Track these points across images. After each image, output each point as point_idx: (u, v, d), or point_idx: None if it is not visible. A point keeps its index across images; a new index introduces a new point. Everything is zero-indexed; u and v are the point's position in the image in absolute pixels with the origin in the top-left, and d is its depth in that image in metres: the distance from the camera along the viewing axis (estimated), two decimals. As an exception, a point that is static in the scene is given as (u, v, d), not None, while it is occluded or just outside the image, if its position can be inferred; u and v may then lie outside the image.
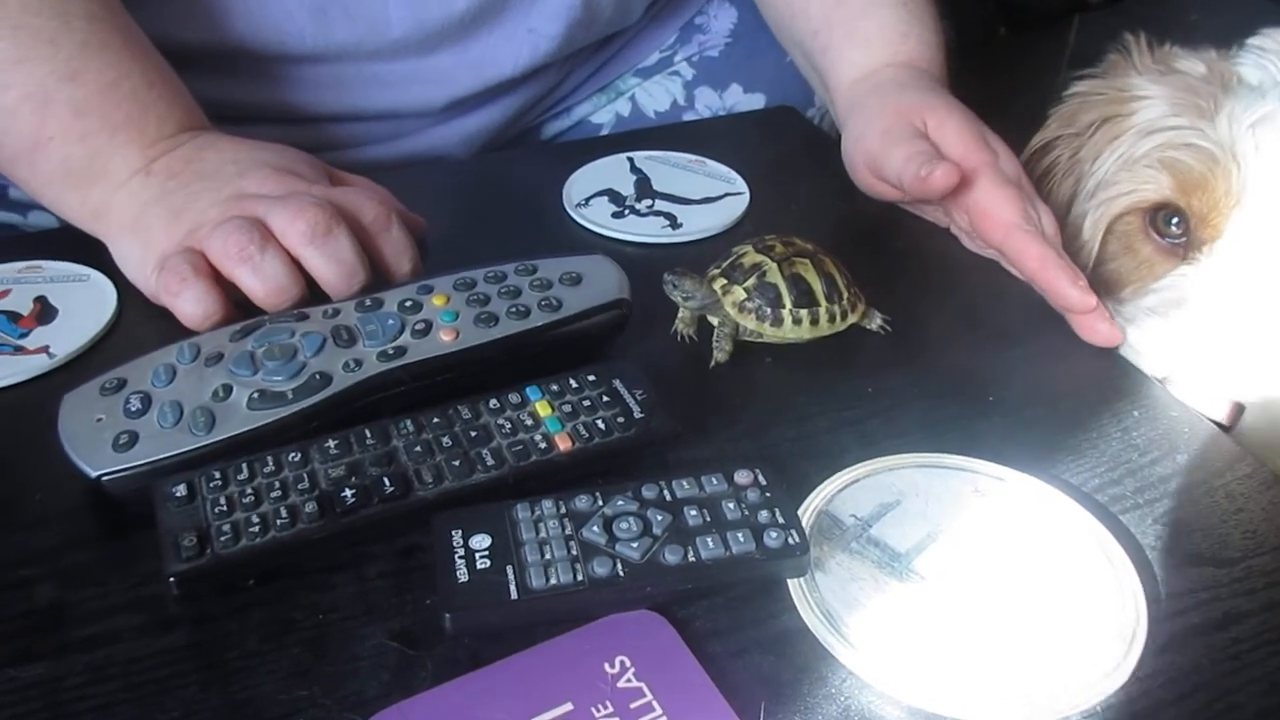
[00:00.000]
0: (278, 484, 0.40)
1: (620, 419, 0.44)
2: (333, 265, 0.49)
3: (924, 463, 0.45)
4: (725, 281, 0.52)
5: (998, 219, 0.56)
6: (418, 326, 0.47)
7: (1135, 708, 0.36)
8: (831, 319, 0.52)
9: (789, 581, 0.39)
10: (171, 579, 0.37)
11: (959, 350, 0.54)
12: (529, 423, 0.43)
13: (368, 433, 0.42)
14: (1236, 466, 0.47)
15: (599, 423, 0.44)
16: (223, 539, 0.38)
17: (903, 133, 0.58)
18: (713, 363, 0.51)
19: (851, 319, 0.52)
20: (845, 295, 0.52)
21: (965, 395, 0.50)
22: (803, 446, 0.46)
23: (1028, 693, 0.36)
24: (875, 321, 0.54)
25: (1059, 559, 0.41)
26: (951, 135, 0.58)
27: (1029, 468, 0.45)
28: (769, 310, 0.51)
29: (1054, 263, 0.54)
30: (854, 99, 0.64)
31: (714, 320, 0.52)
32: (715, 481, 0.41)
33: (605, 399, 0.45)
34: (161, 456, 0.41)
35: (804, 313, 0.51)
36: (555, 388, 0.45)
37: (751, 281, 0.51)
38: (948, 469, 0.45)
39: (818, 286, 0.51)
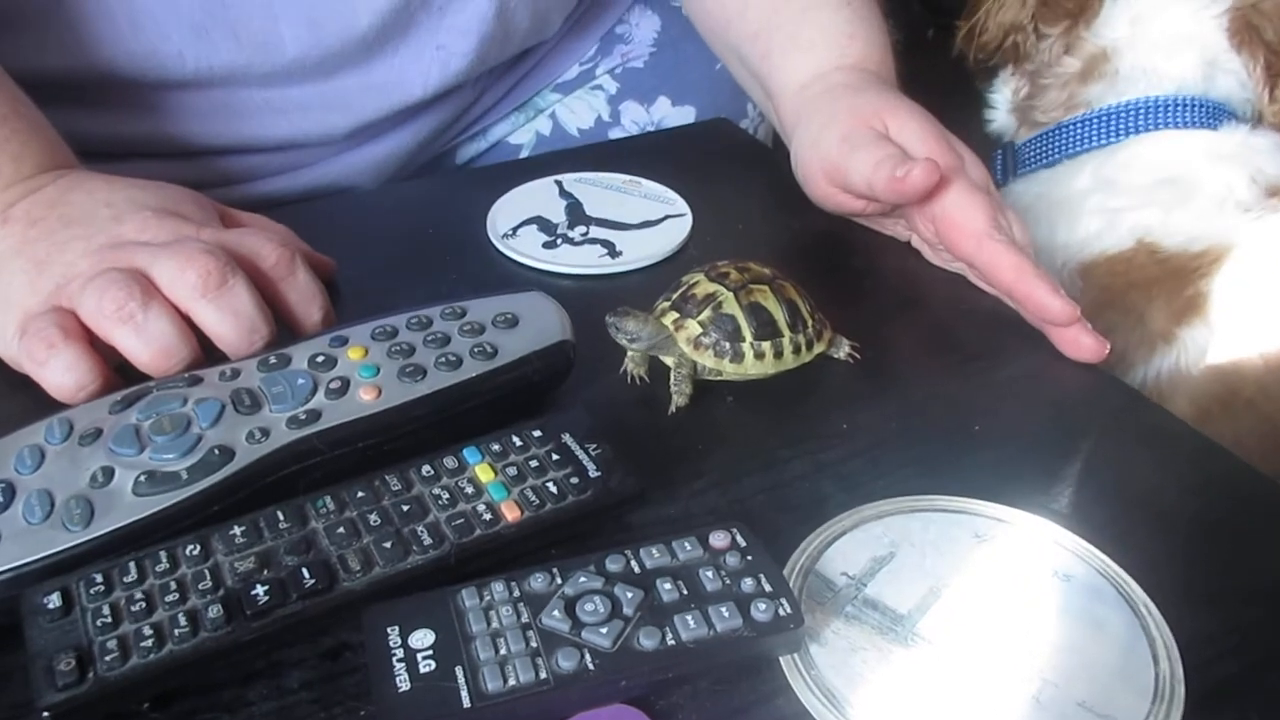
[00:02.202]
0: (174, 585, 0.36)
1: (574, 480, 0.40)
2: (229, 320, 0.45)
3: (916, 507, 0.43)
4: (677, 315, 0.49)
5: (968, 228, 0.54)
6: (333, 385, 0.43)
7: (1181, 777, 0.34)
8: (796, 350, 0.49)
9: (782, 659, 0.36)
10: (46, 713, 0.32)
11: (935, 376, 0.52)
12: (469, 491, 0.40)
13: (280, 515, 0.38)
14: (1255, 485, 0.45)
15: (550, 486, 0.40)
16: (108, 659, 0.33)
17: (864, 137, 0.56)
18: (672, 408, 0.47)
19: (818, 348, 0.50)
20: (810, 323, 0.49)
21: (949, 427, 0.48)
22: (779, 497, 0.43)
23: (1060, 768, 0.33)
24: (843, 349, 0.51)
25: (1076, 607, 0.39)
26: (914, 138, 0.56)
27: (1029, 504, 0.43)
28: (728, 345, 0.48)
29: (1030, 272, 0.52)
30: (802, 105, 0.62)
31: (668, 360, 0.49)
32: (689, 546, 0.38)
33: (555, 457, 0.41)
34: (29, 560, 0.36)
35: (766, 345, 0.48)
36: (497, 447, 0.42)
37: (706, 314, 0.48)
38: (943, 512, 0.42)
39: (779, 315, 0.48)
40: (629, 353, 0.49)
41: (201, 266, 0.45)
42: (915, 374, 0.52)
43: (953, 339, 0.54)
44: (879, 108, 0.58)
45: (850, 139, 0.57)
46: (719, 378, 0.49)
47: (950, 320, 0.56)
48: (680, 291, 0.50)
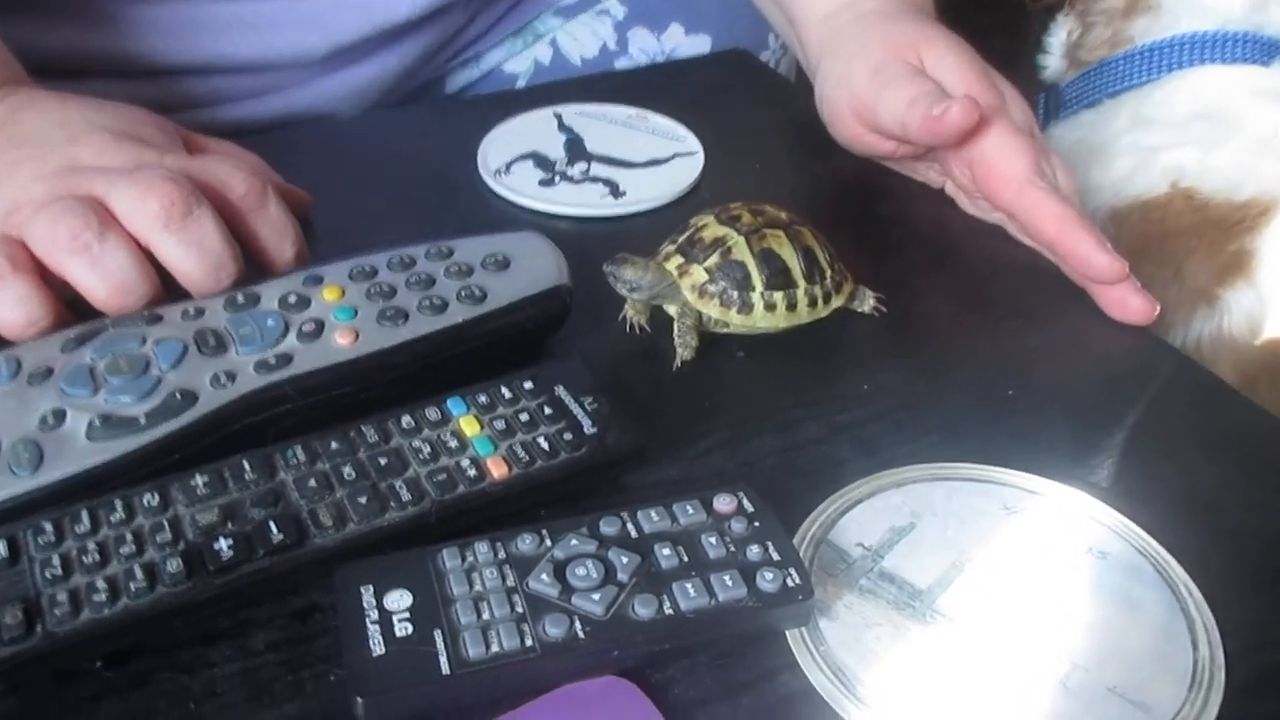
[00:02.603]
0: (130, 536, 0.36)
1: (567, 436, 0.41)
2: (194, 254, 0.45)
3: (940, 475, 0.43)
4: (682, 260, 0.49)
5: (1007, 174, 0.54)
6: (305, 328, 0.43)
7: (1218, 769, 0.34)
8: (812, 303, 0.49)
9: (789, 633, 0.37)
10: (-9, 668, 0.33)
11: (967, 335, 0.52)
12: (453, 445, 0.40)
13: (246, 465, 0.39)
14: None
15: (541, 441, 0.41)
16: (58, 612, 0.34)
17: (898, 71, 0.56)
18: (677, 363, 0.48)
19: (836, 302, 0.50)
20: (828, 273, 0.50)
21: (980, 390, 0.48)
22: (792, 460, 0.44)
23: (1087, 756, 0.34)
24: (867, 303, 0.51)
25: (1111, 586, 0.39)
26: (952, 73, 0.56)
27: (1064, 475, 0.43)
28: (736, 294, 0.48)
29: (1075, 225, 0.52)
30: (829, 35, 0.62)
31: (671, 310, 0.49)
32: (691, 510, 0.38)
33: (547, 411, 0.42)
34: (-28, 507, 0.37)
35: (778, 296, 0.48)
36: (484, 399, 0.42)
37: (714, 260, 0.48)
38: (969, 481, 0.43)
39: (794, 264, 0.49)
40: (629, 300, 0.50)
41: (164, 195, 0.45)
42: (945, 332, 0.52)
43: (987, 295, 0.55)
44: (914, 39, 0.58)
45: (881, 73, 0.57)
46: (726, 330, 0.49)
47: (985, 275, 0.56)
48: (687, 235, 0.50)
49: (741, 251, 0.48)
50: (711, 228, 0.50)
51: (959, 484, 0.43)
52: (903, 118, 0.55)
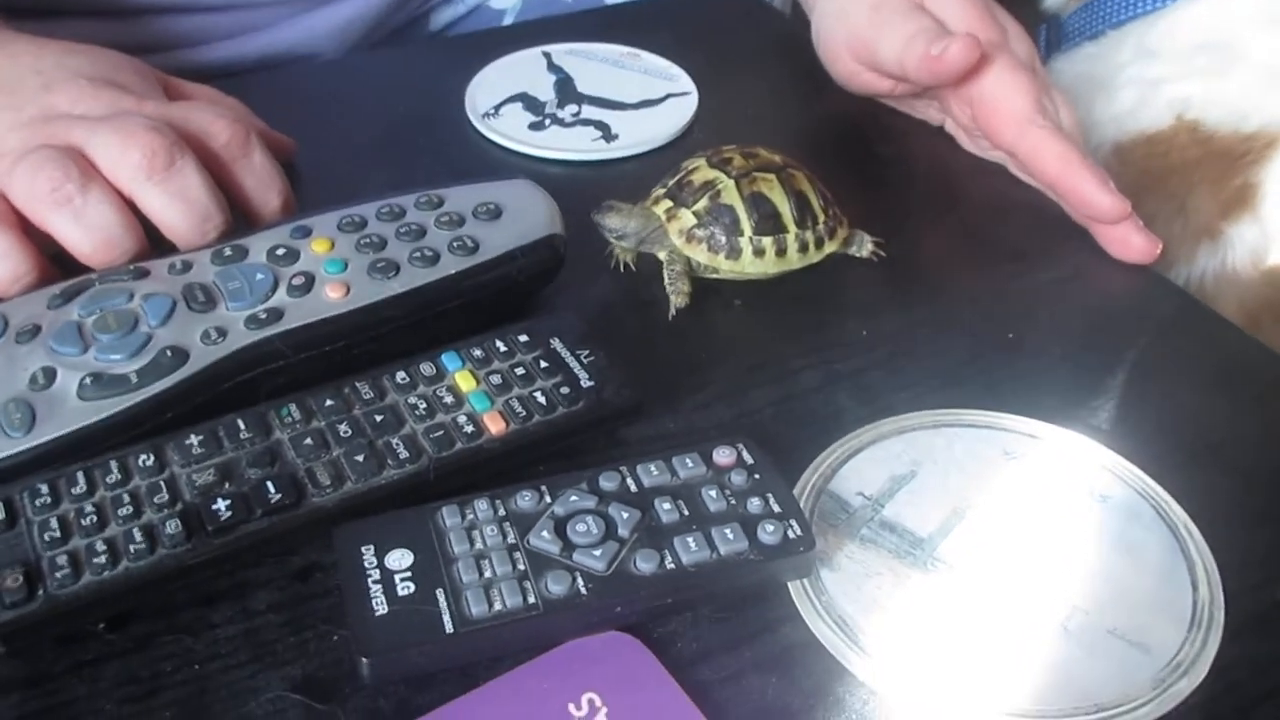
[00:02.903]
0: (127, 498, 0.37)
1: (564, 389, 0.41)
2: (179, 206, 0.45)
3: (940, 421, 0.44)
4: (670, 204, 0.49)
5: (1008, 112, 0.54)
6: (295, 281, 0.43)
7: (1218, 708, 0.35)
8: (803, 248, 0.49)
9: (790, 584, 0.37)
10: (-7, 633, 0.34)
11: (968, 278, 0.52)
12: (449, 400, 0.40)
13: (241, 424, 0.39)
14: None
15: (538, 396, 0.41)
16: (59, 575, 0.34)
17: (898, 7, 0.56)
18: (671, 311, 0.48)
19: (829, 247, 0.50)
20: (821, 218, 0.50)
21: (981, 334, 0.48)
22: (790, 410, 0.44)
23: (1086, 696, 0.35)
24: (865, 247, 0.52)
25: (1112, 529, 0.40)
26: (953, 9, 0.56)
27: (1066, 419, 0.44)
28: (724, 239, 0.48)
29: (1077, 163, 0.53)
30: (826, -31, 0.61)
31: (661, 255, 0.49)
32: (690, 464, 0.39)
33: (543, 365, 0.42)
34: (-35, 470, 0.37)
35: (767, 241, 0.48)
36: (479, 353, 0.42)
37: (702, 204, 0.49)
38: (969, 427, 0.43)
39: (785, 208, 0.49)
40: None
41: (146, 144, 0.44)
42: (944, 275, 0.53)
43: (988, 237, 0.55)
44: (913, -28, 0.57)
45: (879, 9, 0.56)
46: (715, 275, 0.49)
47: (986, 216, 0.56)
48: (677, 178, 0.50)
49: (731, 195, 0.48)
50: (701, 171, 0.50)
51: (959, 430, 0.43)
52: (900, 56, 0.55)
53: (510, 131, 0.59)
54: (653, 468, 0.39)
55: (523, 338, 0.43)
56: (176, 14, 0.66)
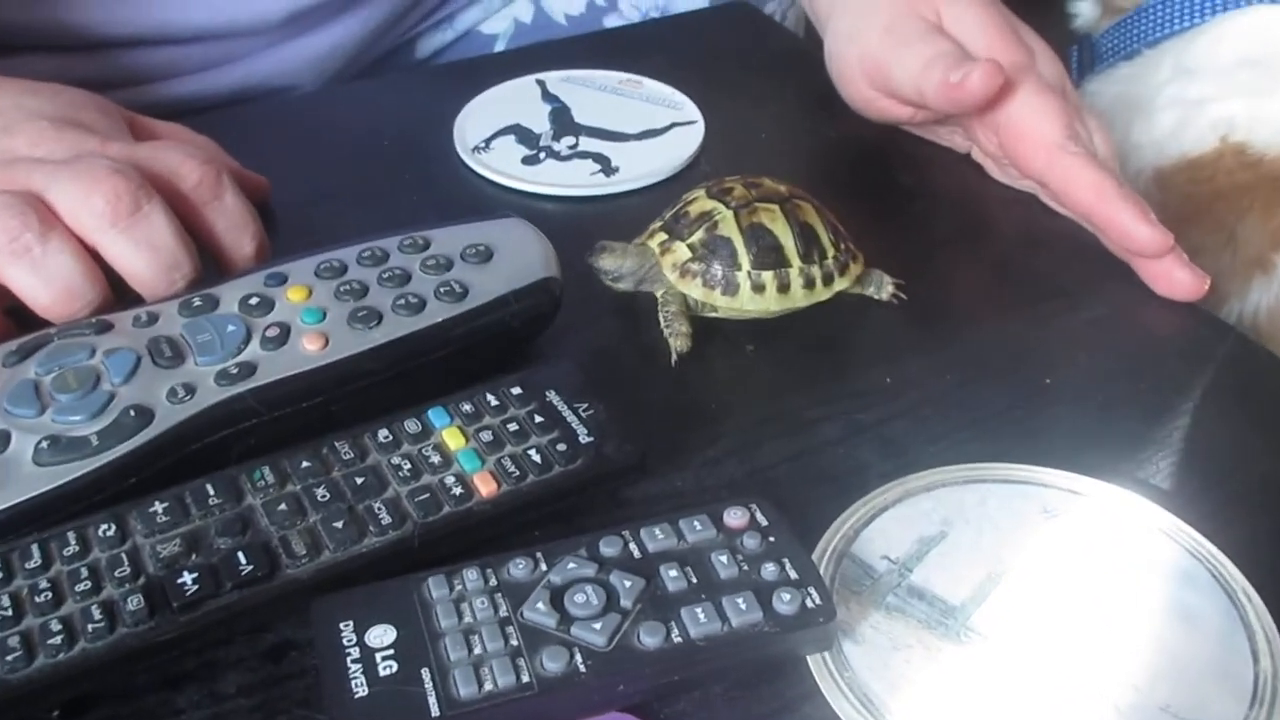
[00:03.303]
0: (85, 572, 0.37)
1: (561, 446, 0.41)
2: (144, 254, 0.45)
3: (972, 477, 0.43)
4: (665, 237, 0.50)
5: (1037, 138, 0.54)
6: (269, 333, 0.43)
7: (1282, 795, 0.35)
8: (809, 284, 0.49)
9: (810, 659, 0.37)
10: (-62, 723, 0.34)
11: (999, 319, 0.52)
12: (436, 460, 0.41)
13: (210, 489, 0.39)
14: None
15: (532, 454, 0.41)
16: (10, 658, 0.34)
17: (913, 29, 0.56)
18: (672, 357, 0.48)
19: (839, 284, 0.50)
20: (831, 252, 0.50)
21: (1016, 380, 0.48)
22: (808, 466, 0.44)
23: (1139, 786, 0.34)
24: (884, 289, 0.52)
25: (1163, 595, 0.40)
26: (973, 30, 0.56)
27: (1111, 473, 0.44)
28: (720, 273, 0.48)
29: (1113, 192, 0.53)
30: (838, -14, 0.62)
31: (659, 294, 0.49)
32: (699, 526, 0.39)
33: (538, 419, 0.42)
34: (-88, 543, 0.37)
35: (767, 276, 0.48)
36: (468, 408, 0.42)
37: (698, 236, 0.49)
38: (1004, 483, 0.43)
39: (788, 240, 0.49)
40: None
41: (110, 189, 0.45)
42: (974, 316, 0.53)
43: (1021, 273, 0.55)
44: (930, -10, 0.58)
45: (894, 31, 0.57)
46: (714, 314, 0.49)
47: (1018, 250, 0.57)
48: (675, 210, 0.51)
49: (728, 226, 0.49)
50: (700, 202, 0.50)
51: (994, 486, 0.43)
52: (918, 83, 0.55)
53: (502, 166, 0.60)
54: (658, 531, 0.38)
55: (516, 390, 0.43)
56: (143, 47, 0.67)
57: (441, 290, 0.45)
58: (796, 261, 0.49)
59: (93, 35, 0.66)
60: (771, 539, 0.38)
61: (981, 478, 0.43)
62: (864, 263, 0.51)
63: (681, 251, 0.49)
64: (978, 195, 0.60)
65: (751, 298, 0.49)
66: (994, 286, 0.55)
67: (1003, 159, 0.58)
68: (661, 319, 0.49)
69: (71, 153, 0.48)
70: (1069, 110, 0.55)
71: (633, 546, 0.38)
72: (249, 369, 0.42)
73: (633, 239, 0.50)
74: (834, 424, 0.46)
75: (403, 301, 0.45)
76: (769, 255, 0.49)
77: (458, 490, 0.40)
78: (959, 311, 0.53)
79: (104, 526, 0.38)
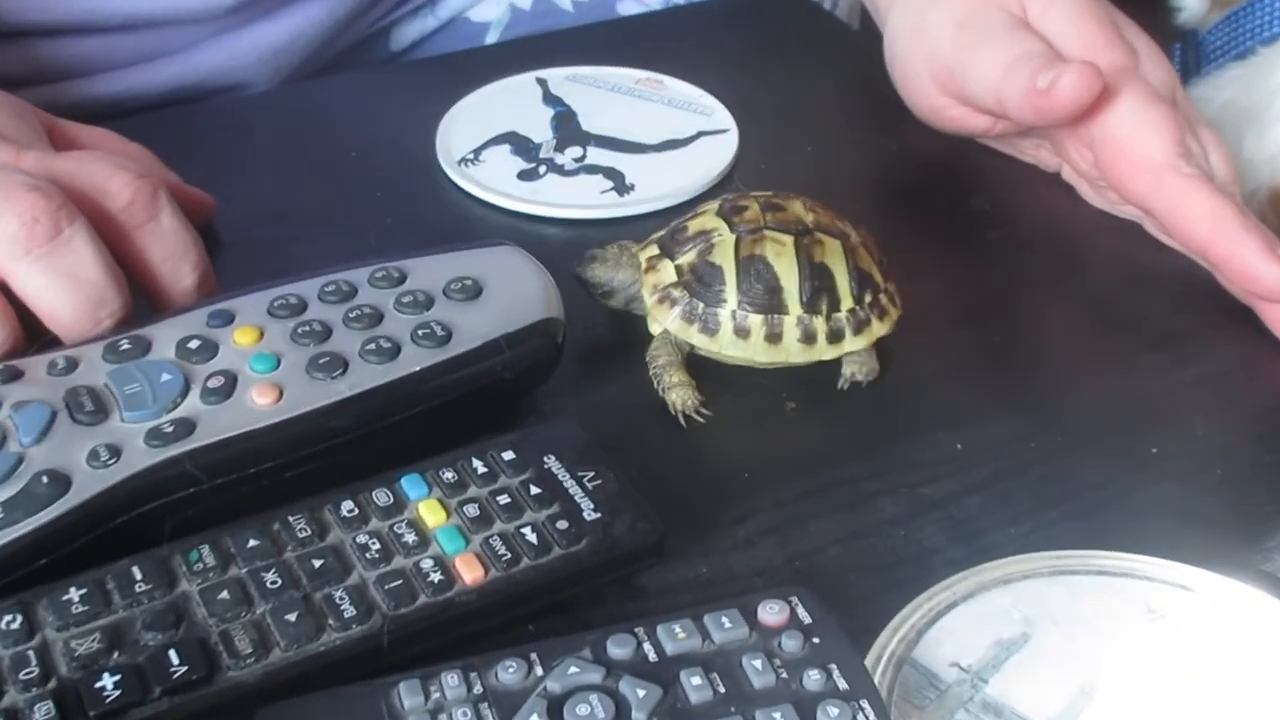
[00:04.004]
0: (-15, 671, 0.37)
1: (561, 524, 0.41)
2: (64, 287, 0.46)
3: (1060, 567, 0.43)
4: (656, 252, 0.50)
5: (1141, 157, 0.55)
6: (212, 383, 0.44)
7: None
8: (808, 338, 0.49)
9: (863, 787, 0.37)
10: None
11: (1095, 373, 0.53)
12: (411, 539, 0.41)
13: (137, 572, 0.39)
14: None
15: (527, 533, 0.41)
16: (-107, 777, 0.35)
17: (993, 23, 0.57)
18: (679, 418, 0.49)
19: (850, 344, 0.50)
20: (846, 304, 0.50)
21: (1114, 448, 0.49)
22: (861, 550, 0.44)
23: None
24: (851, 369, 0.50)
25: (1292, 717, 0.40)
26: (1067, 24, 0.57)
27: (1229, 565, 0.43)
28: (701, 307, 0.49)
29: (1233, 222, 0.53)
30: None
31: (653, 328, 0.50)
32: (727, 623, 0.39)
33: (534, 491, 0.42)
34: None
35: (755, 320, 0.49)
36: (450, 476, 0.43)
37: (689, 257, 0.50)
38: (1100, 575, 0.43)
39: (790, 282, 0.49)
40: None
41: (23, 209, 0.45)
42: (1064, 370, 0.53)
43: (1121, 318, 0.55)
44: (1015, -23, 0.59)
45: (971, 26, 0.57)
46: (692, 350, 0.50)
47: (1117, 291, 0.57)
48: (681, 220, 0.52)
49: (724, 253, 0.49)
50: (704, 217, 0.51)
51: (1086, 579, 0.43)
52: (998, 89, 0.55)
53: (494, 182, 0.60)
54: (678, 629, 0.38)
55: (508, 455, 0.43)
56: (64, 36, 0.68)
57: (420, 333, 0.45)
58: (796, 309, 0.49)
59: (6, 23, 0.66)
60: (816, 640, 0.38)
61: (1072, 568, 0.43)
62: (898, 305, 0.51)
63: (667, 273, 0.50)
64: (1069, 223, 0.60)
65: (733, 342, 0.49)
66: (1088, 334, 0.55)
67: (1100, 180, 0.59)
68: (652, 377, 0.49)
69: (-22, 165, 0.48)
70: (1180, 123, 0.55)
71: (647, 647, 0.38)
72: (187, 427, 0.42)
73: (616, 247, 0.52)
74: (893, 499, 0.46)
75: (373, 346, 0.45)
76: (763, 296, 0.49)
77: (436, 576, 0.40)
78: (1046, 365, 0.53)
79: (8, 618, 0.38)
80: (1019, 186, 0.62)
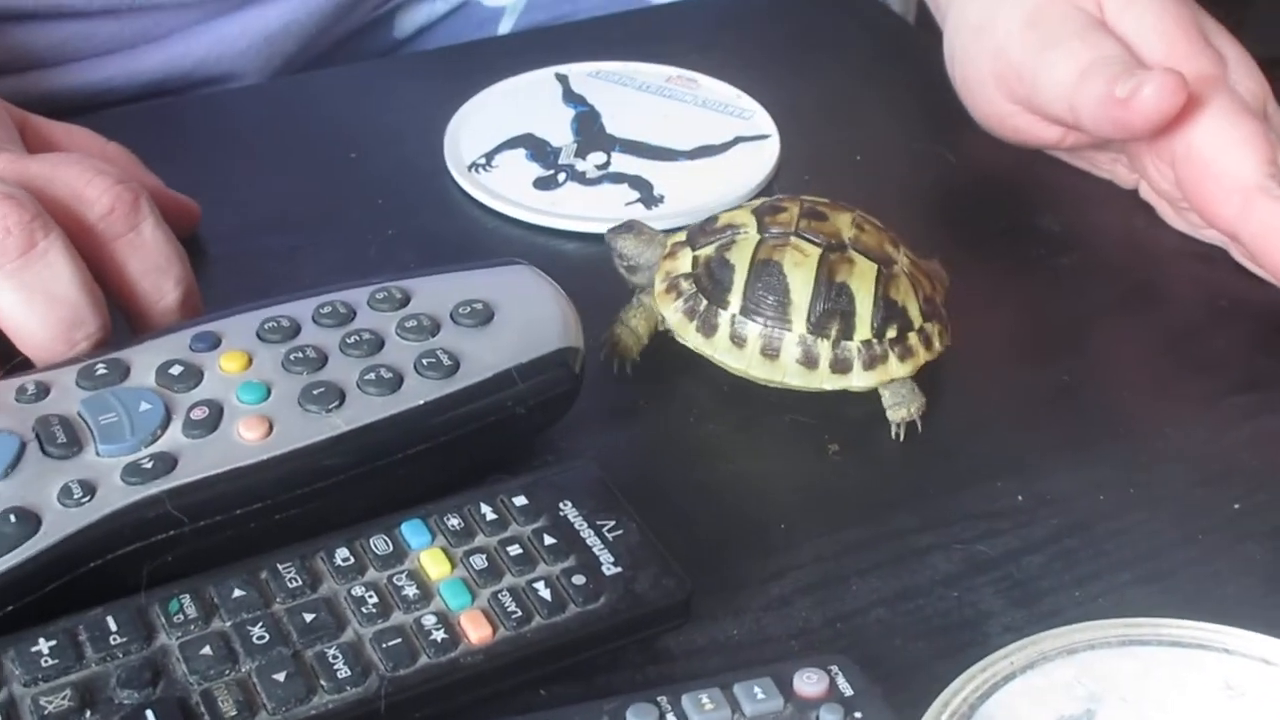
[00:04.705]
0: (-56, 731, 0.37)
1: (578, 579, 0.42)
2: (37, 305, 0.47)
3: (1131, 636, 0.43)
4: (682, 239, 0.52)
5: (1228, 176, 0.55)
6: (196, 414, 0.44)
7: None
8: (809, 361, 0.50)
9: None
10: None
11: (1172, 418, 0.53)
12: (411, 593, 0.41)
13: (112, 623, 0.40)
14: None
15: (539, 588, 0.41)
16: None
17: (1067, 23, 0.57)
18: (611, 352, 0.51)
19: (858, 379, 0.50)
20: (864, 334, 0.50)
21: (1194, 503, 0.49)
22: (909, 613, 0.45)
23: None
24: (901, 409, 0.50)
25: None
26: (1149, 26, 0.57)
27: (1318, 638, 0.44)
28: (704, 305, 0.50)
29: (1330, 253, 0.53)
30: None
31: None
32: (760, 693, 0.39)
33: (548, 541, 0.43)
34: None
35: (753, 330, 0.50)
36: (456, 523, 0.43)
37: (709, 250, 0.51)
38: (1175, 647, 0.43)
39: (802, 297, 0.50)
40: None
41: (-8, 220, 0.46)
42: (1139, 412, 0.53)
43: (1203, 355, 0.55)
44: (1093, -27, 0.59)
45: (1042, 25, 0.58)
46: (684, 344, 0.51)
47: (1199, 324, 0.57)
48: (718, 213, 0.53)
49: (742, 252, 0.50)
50: (739, 212, 0.52)
51: (1160, 651, 0.43)
52: (1071, 96, 0.56)
53: (508, 190, 0.61)
54: (705, 699, 0.39)
55: (519, 500, 0.44)
56: (38, 20, 0.69)
57: (424, 362, 0.46)
58: (801, 326, 0.50)
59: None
60: (858, 715, 0.38)
61: (1143, 638, 0.43)
62: (942, 338, 0.51)
63: (683, 261, 0.51)
64: (1146, 247, 0.60)
65: (728, 349, 0.50)
66: (1166, 373, 0.55)
67: (1181, 201, 0.59)
68: (618, 318, 0.52)
69: (-56, 169, 0.49)
70: (1272, 140, 0.55)
71: (671, 717, 0.38)
72: (167, 463, 0.43)
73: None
74: (945, 556, 0.46)
75: (372, 376, 0.45)
76: (769, 306, 0.50)
77: (439, 635, 0.40)
78: (1118, 408, 0.53)
79: (-29, 670, 0.39)
80: (1091, 206, 0.62)
